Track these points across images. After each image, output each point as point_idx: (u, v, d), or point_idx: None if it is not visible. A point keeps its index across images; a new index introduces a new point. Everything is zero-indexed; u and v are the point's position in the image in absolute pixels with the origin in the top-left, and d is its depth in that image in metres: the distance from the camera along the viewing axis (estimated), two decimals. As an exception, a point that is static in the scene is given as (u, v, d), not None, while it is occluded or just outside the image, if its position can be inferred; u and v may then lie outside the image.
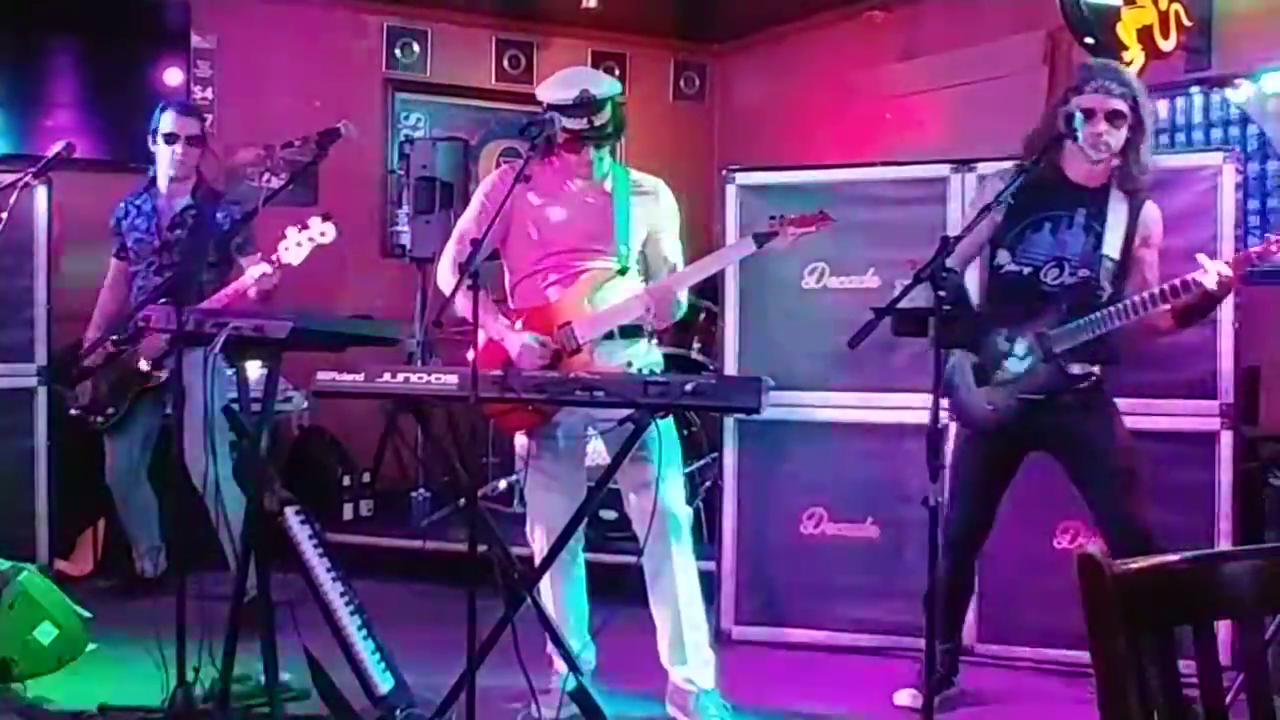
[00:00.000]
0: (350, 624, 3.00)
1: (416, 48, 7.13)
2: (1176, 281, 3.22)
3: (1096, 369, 3.43)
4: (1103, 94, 3.33)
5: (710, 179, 4.92)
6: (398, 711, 2.95)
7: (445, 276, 3.54)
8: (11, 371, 4.69)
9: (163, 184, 4.59)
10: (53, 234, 4.76)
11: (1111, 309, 3.30)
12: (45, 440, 4.73)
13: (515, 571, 3.04)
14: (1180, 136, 5.24)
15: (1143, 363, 3.81)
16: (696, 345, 5.74)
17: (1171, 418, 3.95)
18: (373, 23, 7.03)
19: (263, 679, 3.09)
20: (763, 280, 4.35)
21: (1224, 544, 3.78)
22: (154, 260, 4.56)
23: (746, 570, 4.42)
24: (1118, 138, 3.36)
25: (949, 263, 3.10)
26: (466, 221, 3.59)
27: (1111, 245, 3.41)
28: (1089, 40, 4.72)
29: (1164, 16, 4.84)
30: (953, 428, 3.68)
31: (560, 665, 3.28)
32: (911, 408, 3.93)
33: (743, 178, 4.46)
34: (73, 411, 4.70)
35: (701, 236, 4.53)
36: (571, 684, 3.07)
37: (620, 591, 3.86)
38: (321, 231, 4.11)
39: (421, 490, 5.72)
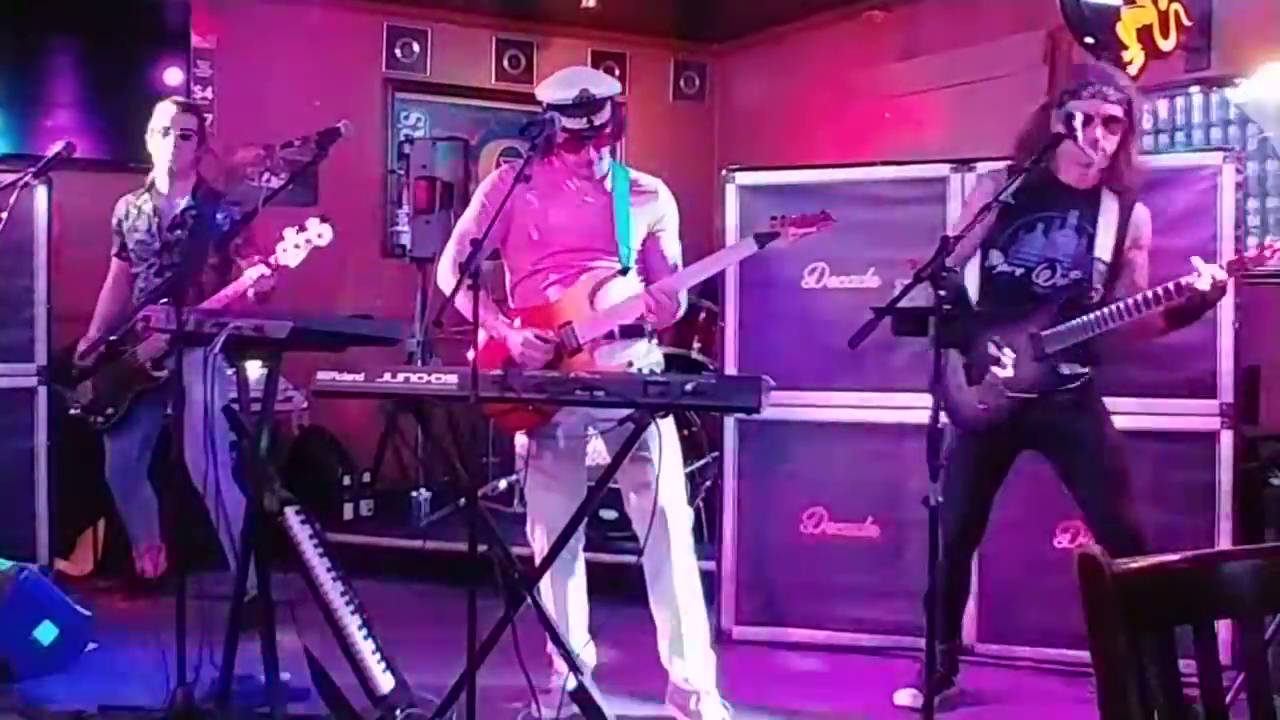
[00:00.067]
0: (350, 624, 3.00)
1: (416, 47, 7.13)
2: (1170, 285, 3.22)
3: (1087, 369, 3.43)
4: (1099, 99, 3.34)
5: (710, 179, 4.91)
6: (398, 711, 2.95)
7: (445, 276, 3.55)
8: (11, 371, 4.69)
9: (161, 182, 4.59)
10: (53, 234, 4.75)
11: (1105, 311, 3.30)
12: (45, 440, 4.72)
13: (515, 571, 3.04)
14: (1180, 136, 5.24)
15: (1143, 362, 3.81)
16: (696, 345, 5.74)
17: (1171, 417, 3.95)
18: (373, 23, 7.03)
19: (263, 679, 3.09)
20: (763, 280, 4.35)
21: (1224, 544, 3.78)
22: (155, 261, 4.56)
23: (746, 570, 4.42)
24: (1113, 143, 3.37)
25: (948, 262, 3.11)
26: (467, 221, 3.59)
27: (1103, 247, 3.42)
28: (1089, 40, 4.72)
29: (1164, 16, 4.83)
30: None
31: (560, 665, 3.28)
32: (911, 408, 3.93)
33: (743, 178, 4.46)
34: (73, 411, 4.70)
35: (701, 236, 4.52)
36: (571, 684, 3.07)
37: (620, 591, 3.86)
38: (319, 233, 4.12)
39: (421, 490, 5.72)
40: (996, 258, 3.50)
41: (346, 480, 5.87)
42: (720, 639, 4.22)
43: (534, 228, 3.50)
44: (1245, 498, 3.95)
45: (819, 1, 6.80)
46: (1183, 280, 3.20)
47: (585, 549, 3.66)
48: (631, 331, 3.48)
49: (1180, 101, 5.24)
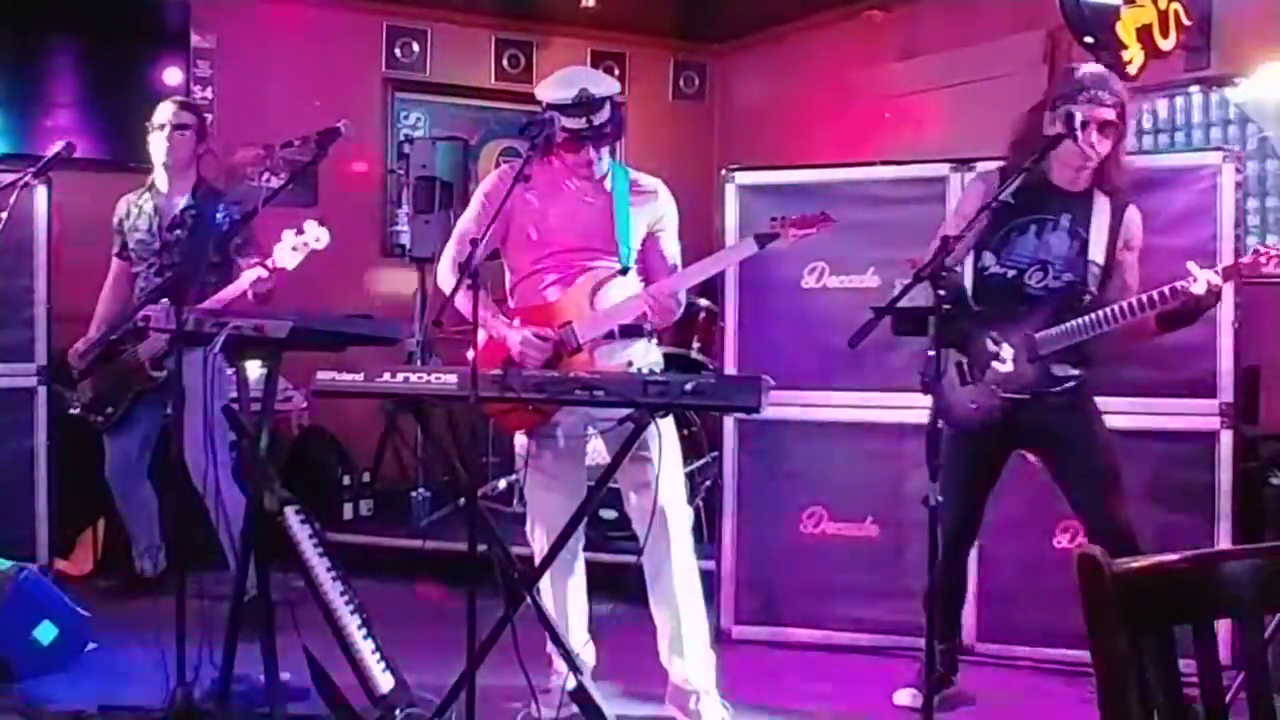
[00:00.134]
0: (350, 624, 3.00)
1: (416, 47, 7.13)
2: (1166, 289, 3.22)
3: (1079, 370, 3.43)
4: (1095, 104, 3.34)
5: (710, 179, 4.91)
6: (397, 711, 2.95)
7: (445, 276, 3.55)
8: (11, 371, 4.69)
9: (160, 180, 4.60)
10: (53, 234, 4.75)
11: (1100, 313, 3.31)
12: (45, 440, 4.72)
13: (515, 571, 3.04)
14: (1180, 136, 5.24)
15: (1143, 362, 3.82)
16: (696, 345, 5.75)
17: (1171, 417, 3.95)
18: (372, 23, 7.03)
19: (262, 678, 3.09)
20: (763, 280, 4.35)
21: (1224, 544, 3.78)
22: (155, 261, 4.57)
23: (746, 570, 4.42)
24: (1106, 146, 3.38)
25: (946, 262, 3.11)
26: (466, 221, 3.59)
27: (1097, 250, 3.43)
28: (1088, 39, 4.72)
29: (1163, 16, 4.83)
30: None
31: (560, 665, 3.28)
32: (911, 407, 3.92)
33: (742, 177, 4.46)
34: (73, 411, 4.70)
35: (701, 236, 4.53)
36: (571, 684, 3.07)
37: (620, 591, 3.86)
38: (316, 237, 4.13)
39: (421, 490, 5.72)
40: (989, 259, 3.51)
41: (346, 480, 5.87)
42: (720, 639, 4.22)
43: (534, 227, 3.50)
44: (1245, 498, 3.95)
45: (819, 1, 6.80)
46: (1178, 285, 3.20)
47: (585, 549, 3.66)
48: (631, 331, 3.48)
49: (1180, 101, 5.24)
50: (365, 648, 2.98)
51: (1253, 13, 4.91)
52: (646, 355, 3.53)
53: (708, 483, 5.04)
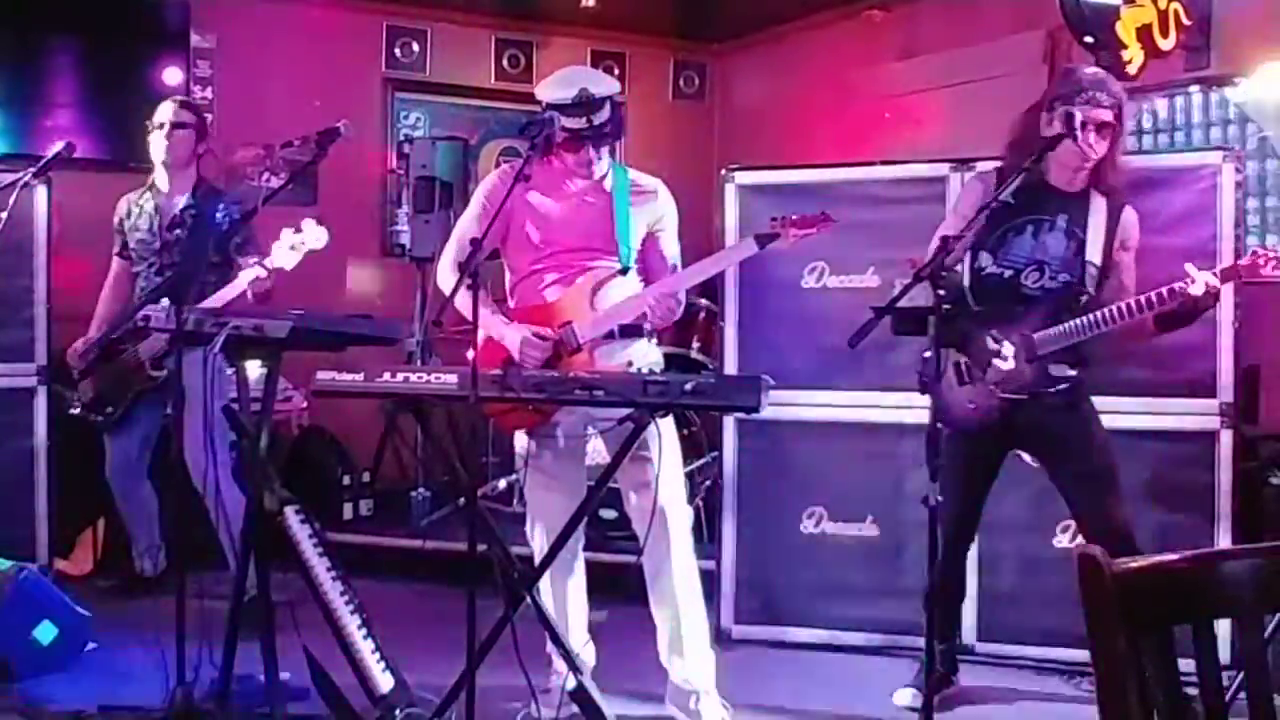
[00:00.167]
0: (350, 624, 3.00)
1: (416, 47, 7.13)
2: (1164, 290, 3.22)
3: (1076, 370, 3.44)
4: (1093, 105, 3.34)
5: (710, 179, 4.91)
6: (397, 711, 2.95)
7: (445, 276, 3.54)
8: (11, 371, 4.69)
9: (160, 179, 4.60)
10: (53, 234, 4.75)
11: (1098, 314, 3.31)
12: (45, 440, 4.72)
13: (515, 571, 3.04)
14: (1180, 136, 5.24)
15: (1143, 362, 3.82)
16: (696, 345, 5.74)
17: (1171, 417, 3.95)
18: (372, 23, 7.03)
19: (263, 678, 3.09)
20: (763, 280, 4.35)
21: (1223, 544, 3.78)
22: (155, 260, 4.57)
23: (746, 570, 4.42)
24: (1104, 147, 3.39)
25: (946, 261, 3.11)
26: (466, 221, 3.59)
27: (1094, 250, 3.43)
28: (1088, 39, 4.72)
29: (1163, 15, 4.83)
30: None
31: (560, 665, 3.28)
32: (911, 407, 3.93)
33: (742, 177, 4.46)
34: (73, 410, 4.70)
35: (701, 236, 4.52)
36: (571, 684, 3.07)
37: (620, 591, 3.86)
38: (315, 236, 4.13)
39: (421, 490, 5.72)
40: (985, 259, 3.51)
41: (346, 480, 5.87)
42: (720, 639, 4.22)
43: (534, 228, 3.50)
44: (1245, 498, 3.95)
45: (819, 1, 6.80)
46: (1176, 286, 3.20)
47: (585, 549, 3.66)
48: (631, 331, 3.48)
49: (1180, 101, 5.24)
50: (365, 648, 2.98)
51: (1253, 13, 4.91)
52: (646, 355, 3.53)
53: (708, 483, 5.04)
